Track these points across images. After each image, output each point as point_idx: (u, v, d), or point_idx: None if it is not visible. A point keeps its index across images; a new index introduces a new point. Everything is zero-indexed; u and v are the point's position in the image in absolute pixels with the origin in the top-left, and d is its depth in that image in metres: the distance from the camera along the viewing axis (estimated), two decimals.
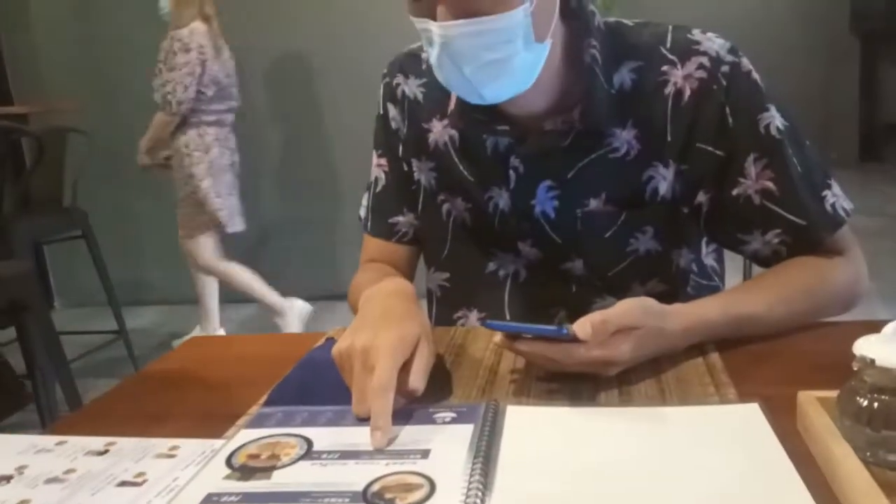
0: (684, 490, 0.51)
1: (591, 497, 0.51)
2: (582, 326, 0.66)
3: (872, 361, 0.49)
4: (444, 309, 1.04)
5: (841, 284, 0.85)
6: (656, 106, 0.86)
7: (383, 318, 0.73)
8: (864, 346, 0.50)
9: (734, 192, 0.86)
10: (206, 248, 3.00)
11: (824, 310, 0.84)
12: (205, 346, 1.01)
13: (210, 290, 3.17)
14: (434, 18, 0.77)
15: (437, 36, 0.77)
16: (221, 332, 3.26)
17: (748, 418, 0.60)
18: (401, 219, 1.05)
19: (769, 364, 0.73)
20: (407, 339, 0.69)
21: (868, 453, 0.49)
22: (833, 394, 0.54)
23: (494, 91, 0.80)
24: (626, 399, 0.68)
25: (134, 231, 3.94)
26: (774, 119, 0.85)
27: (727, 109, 0.84)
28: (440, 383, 0.76)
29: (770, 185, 0.84)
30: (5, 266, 1.71)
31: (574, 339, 0.67)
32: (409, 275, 1.07)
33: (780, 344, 0.78)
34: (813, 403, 0.56)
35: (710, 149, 0.85)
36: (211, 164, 2.94)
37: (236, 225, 3.03)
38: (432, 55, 0.80)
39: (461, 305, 1.02)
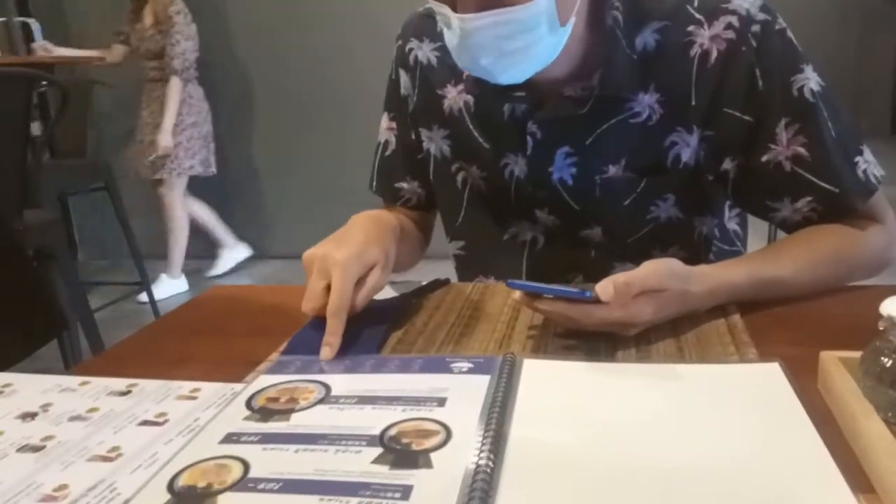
0: (701, 447, 0.51)
1: (606, 451, 0.51)
2: (604, 288, 0.65)
3: None
4: (461, 277, 1.05)
5: (871, 250, 0.83)
6: (681, 69, 0.83)
7: (351, 236, 0.78)
8: (892, 307, 0.49)
9: (763, 158, 0.83)
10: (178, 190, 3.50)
11: (853, 275, 0.82)
12: (225, 295, 1.02)
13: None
14: (454, 7, 0.74)
15: (457, 27, 0.75)
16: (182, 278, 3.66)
17: (768, 377, 0.59)
18: (405, 185, 1.05)
19: (792, 325, 0.72)
20: (363, 259, 0.75)
21: (890, 414, 0.49)
22: (856, 355, 0.54)
23: (513, 76, 0.79)
24: (643, 356, 0.67)
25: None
26: (809, 81, 0.81)
27: (757, 72, 0.81)
28: (457, 336, 0.76)
29: (802, 151, 0.81)
30: (32, 215, 1.74)
31: (596, 301, 0.66)
32: (418, 236, 1.07)
33: (804, 306, 0.76)
34: (835, 363, 0.55)
35: (737, 114, 0.82)
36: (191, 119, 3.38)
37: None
38: (450, 40, 0.78)
39: (478, 273, 1.02)
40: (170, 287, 3.58)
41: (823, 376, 0.57)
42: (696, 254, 0.92)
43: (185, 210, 3.57)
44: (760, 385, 0.59)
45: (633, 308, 0.67)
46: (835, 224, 0.83)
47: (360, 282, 0.75)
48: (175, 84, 3.27)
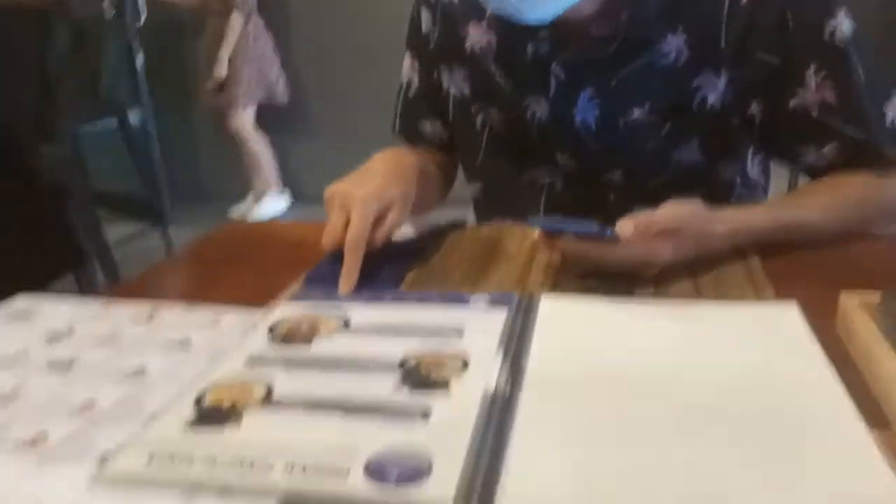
0: (715, 383, 0.51)
1: (622, 385, 0.52)
2: (625, 226, 0.65)
3: None
4: (479, 220, 1.05)
5: None
6: (710, 9, 0.81)
7: (371, 174, 0.79)
8: None
9: (791, 103, 0.81)
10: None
11: (877, 222, 0.81)
12: (241, 231, 1.03)
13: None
14: None
15: None
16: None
17: (785, 317, 0.59)
18: (428, 126, 1.04)
19: (812, 269, 0.72)
20: (383, 197, 0.76)
21: None
22: (876, 297, 0.54)
23: (542, 13, 0.77)
24: (661, 297, 0.68)
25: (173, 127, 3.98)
26: (841, 25, 0.79)
27: (788, 14, 0.79)
28: (476, 272, 0.76)
29: (830, 97, 0.80)
30: (48, 150, 1.74)
31: (616, 240, 0.66)
32: (440, 177, 1.06)
33: (825, 250, 0.76)
34: (855, 305, 0.55)
35: (766, 57, 0.81)
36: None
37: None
38: None
39: (496, 216, 1.02)
40: (274, 206, 3.72)
41: (843, 318, 0.57)
42: (717, 200, 0.91)
43: (257, 134, 3.68)
44: (777, 324, 0.59)
45: (653, 247, 0.67)
46: (861, 171, 0.82)
47: (379, 219, 0.76)
48: (235, 17, 3.36)
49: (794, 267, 0.72)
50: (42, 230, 1.41)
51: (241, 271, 0.84)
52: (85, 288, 1.57)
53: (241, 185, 3.86)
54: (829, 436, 0.44)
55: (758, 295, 0.66)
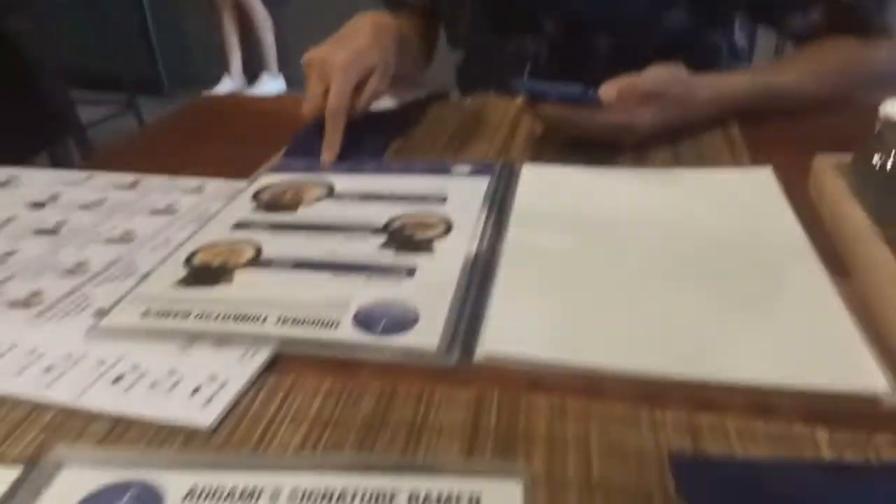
0: (690, 241, 0.53)
1: (599, 246, 0.54)
2: (608, 89, 0.65)
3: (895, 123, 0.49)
4: (462, 90, 1.03)
5: (882, 66, 0.81)
6: None
7: (350, 38, 0.76)
8: (890, 107, 0.50)
9: None
10: None
11: (861, 89, 0.81)
12: (217, 104, 1.00)
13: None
14: None
15: None
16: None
17: (760, 181, 0.61)
18: None
19: (791, 136, 0.72)
20: (363, 63, 0.74)
21: (876, 212, 0.51)
22: (849, 159, 0.55)
23: None
24: (640, 163, 0.69)
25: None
26: None
27: None
28: (458, 143, 0.77)
29: None
30: (14, 20, 1.65)
31: (599, 103, 0.66)
32: (421, 45, 1.03)
33: (805, 118, 0.76)
34: (828, 167, 0.56)
35: None
36: None
37: None
38: None
39: (479, 85, 1.00)
40: (272, 85, 3.62)
41: (815, 179, 0.58)
42: (703, 68, 0.90)
43: (264, 8, 3.55)
44: (752, 188, 0.60)
45: (636, 112, 0.67)
46: (846, 38, 0.81)
47: (359, 86, 0.74)
48: None
49: (773, 134, 0.73)
50: (14, 106, 1.37)
51: (219, 143, 0.83)
52: (59, 165, 1.55)
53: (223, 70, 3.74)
54: (796, 284, 0.47)
55: (735, 161, 0.67)
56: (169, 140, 0.85)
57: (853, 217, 0.49)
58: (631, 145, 0.71)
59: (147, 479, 0.33)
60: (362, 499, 0.31)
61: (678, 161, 0.69)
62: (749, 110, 0.75)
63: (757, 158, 0.67)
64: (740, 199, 0.59)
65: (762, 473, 0.32)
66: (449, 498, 0.31)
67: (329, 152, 0.71)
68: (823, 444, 0.34)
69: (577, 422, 0.37)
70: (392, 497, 0.31)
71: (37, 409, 0.39)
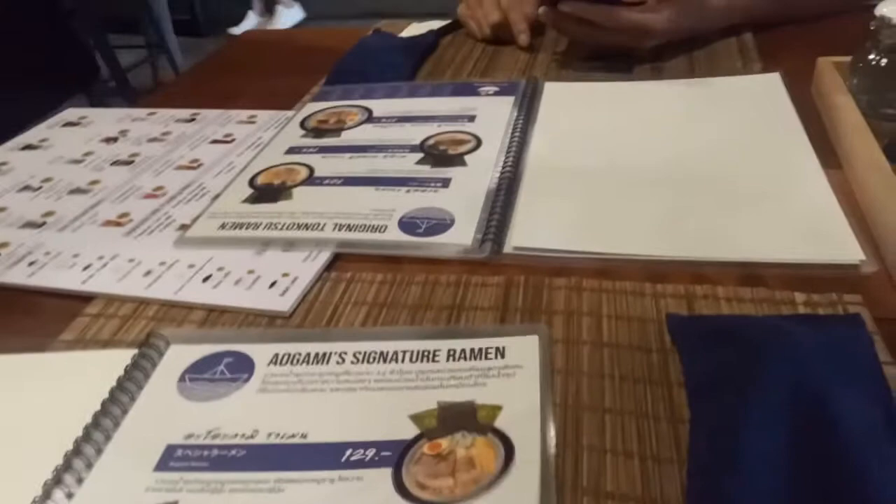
0: (698, 147, 0.58)
1: (614, 155, 0.59)
2: None
3: (890, 21, 0.52)
4: None
5: None
6: None
7: None
8: (886, 7, 0.53)
9: None
10: None
11: None
12: (260, 40, 1.06)
13: None
14: None
15: None
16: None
17: (768, 86, 0.65)
18: None
19: (801, 41, 0.76)
20: None
21: (869, 107, 0.55)
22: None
23: None
24: (657, 74, 0.73)
25: None
26: None
27: None
28: (483, 66, 0.82)
29: None
30: None
31: (617, 2, 0.70)
32: None
33: (819, 25, 0.79)
34: (829, 67, 0.60)
35: None
36: None
37: None
38: None
39: None
40: (288, 16, 3.65)
41: (817, 79, 0.62)
42: None
43: None
44: (760, 94, 0.65)
45: (651, 14, 0.71)
46: None
47: None
48: None
49: (785, 41, 0.76)
50: (52, 48, 1.43)
51: (267, 74, 0.89)
52: (97, 106, 1.62)
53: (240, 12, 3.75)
54: (792, 176, 0.52)
55: (746, 69, 0.71)
56: (215, 78, 0.92)
57: (845, 110, 0.54)
58: (646, 50, 0.74)
59: (239, 349, 0.41)
60: (412, 357, 0.39)
61: (693, 70, 0.73)
62: (762, 20, 0.78)
63: (768, 65, 0.71)
64: (749, 105, 0.63)
65: (737, 322, 0.39)
66: (480, 351, 0.39)
67: (523, 37, 0.83)
68: (800, 305, 0.41)
69: (591, 297, 0.43)
70: (434, 354, 0.39)
71: (142, 305, 0.47)
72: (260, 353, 0.41)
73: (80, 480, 0.34)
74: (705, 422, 0.32)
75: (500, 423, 0.34)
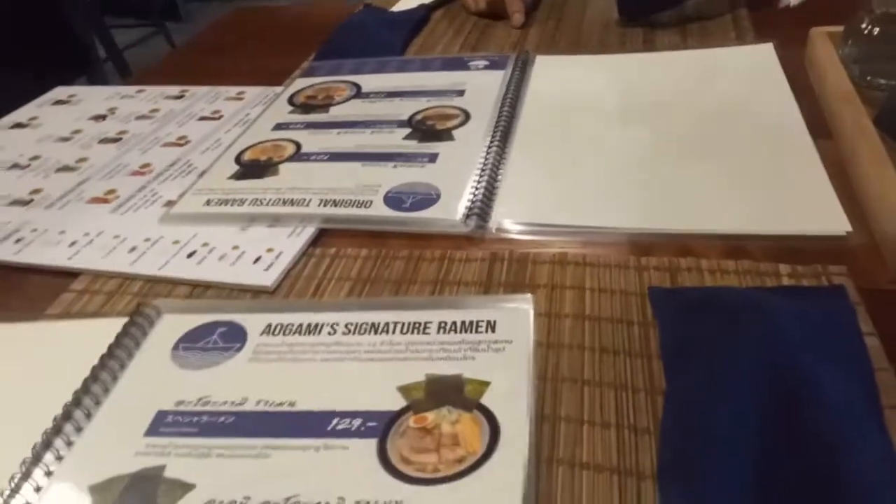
0: (688, 120, 0.58)
1: (602, 129, 0.59)
2: None
3: None
4: None
5: None
6: None
7: None
8: None
9: None
10: None
11: None
12: (247, 17, 1.05)
13: None
14: None
15: None
16: None
17: (761, 57, 0.64)
18: None
19: (797, 13, 0.75)
20: None
21: (860, 76, 0.54)
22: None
23: None
24: (649, 47, 0.72)
25: None
26: None
27: None
28: (474, 40, 0.81)
29: None
30: None
31: None
32: None
33: None
34: (822, 37, 0.59)
35: None
36: None
37: None
38: None
39: None
40: None
41: (809, 48, 0.62)
42: None
43: None
44: (753, 63, 0.64)
45: None
46: None
47: None
48: None
49: (783, 13, 0.75)
50: (50, 32, 1.43)
51: (251, 54, 0.88)
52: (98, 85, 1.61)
53: None
54: (781, 147, 0.52)
55: (740, 40, 0.70)
56: (205, 54, 0.91)
57: (836, 80, 0.53)
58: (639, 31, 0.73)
59: (233, 319, 0.41)
60: (402, 328, 0.39)
61: (685, 42, 0.72)
62: None
63: (762, 36, 0.70)
64: (740, 76, 0.63)
65: (716, 293, 0.38)
66: (471, 324, 0.39)
67: (518, 16, 0.83)
68: (784, 276, 0.41)
69: (575, 271, 0.43)
70: (426, 326, 0.39)
71: (127, 280, 0.47)
72: (253, 323, 0.41)
73: (69, 444, 0.35)
74: (678, 394, 0.32)
75: (486, 399, 0.34)
